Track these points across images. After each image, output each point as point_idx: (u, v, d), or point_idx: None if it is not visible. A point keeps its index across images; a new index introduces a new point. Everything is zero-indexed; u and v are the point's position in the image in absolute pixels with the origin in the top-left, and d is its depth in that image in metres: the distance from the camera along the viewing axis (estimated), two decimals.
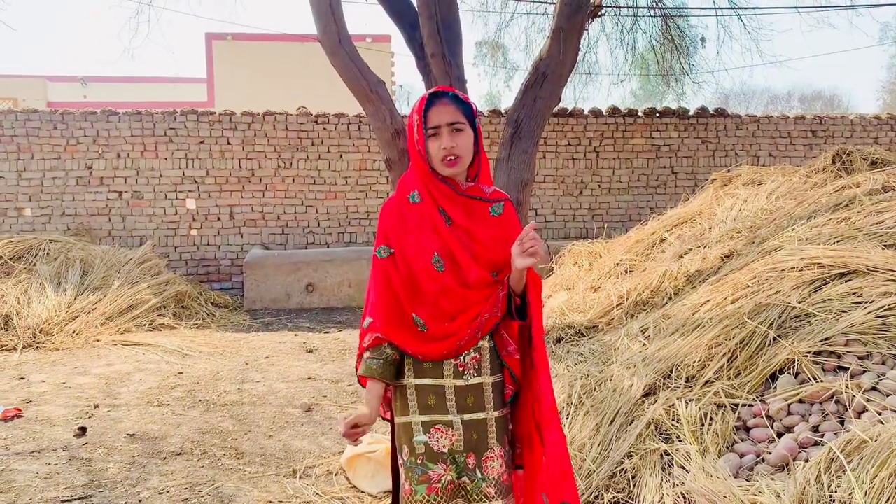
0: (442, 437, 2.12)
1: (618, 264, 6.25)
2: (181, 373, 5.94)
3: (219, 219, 10.39)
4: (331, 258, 9.41)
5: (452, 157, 2.13)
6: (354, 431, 2.08)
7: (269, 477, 3.89)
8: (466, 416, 2.17)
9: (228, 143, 10.39)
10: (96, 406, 5.04)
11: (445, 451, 2.11)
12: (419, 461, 2.09)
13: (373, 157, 10.57)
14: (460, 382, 2.19)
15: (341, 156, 10.60)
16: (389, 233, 2.22)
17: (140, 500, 3.57)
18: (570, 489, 2.09)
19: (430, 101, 2.14)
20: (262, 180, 10.46)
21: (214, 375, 5.88)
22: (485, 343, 2.23)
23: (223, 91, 17.70)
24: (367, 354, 2.18)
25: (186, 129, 10.28)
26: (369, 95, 5.84)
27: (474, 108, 2.20)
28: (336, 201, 10.59)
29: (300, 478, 3.88)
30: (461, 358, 2.20)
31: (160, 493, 3.66)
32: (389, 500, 3.56)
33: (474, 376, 2.20)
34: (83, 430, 4.50)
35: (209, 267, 10.36)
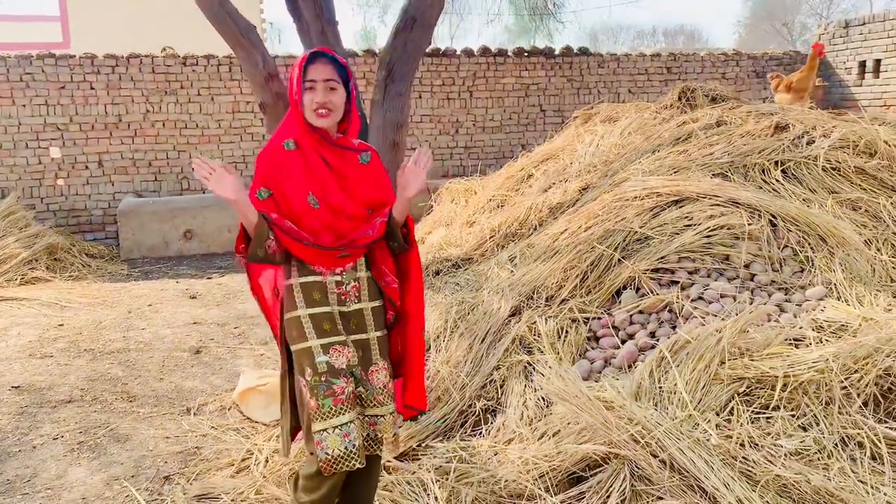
0: (340, 355, 2.40)
1: (490, 200, 6.63)
2: (62, 324, 5.89)
3: (87, 167, 10.00)
4: (208, 204, 9.32)
5: (324, 111, 2.40)
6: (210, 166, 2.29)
7: (163, 416, 4.06)
8: (353, 338, 2.47)
9: (92, 88, 9.92)
10: None
11: (344, 367, 2.40)
12: (323, 379, 2.36)
13: (246, 100, 10.39)
14: (344, 309, 2.49)
15: (213, 98, 10.36)
16: (267, 177, 2.46)
17: (34, 447, 3.67)
18: (423, 400, 2.67)
19: (310, 59, 2.42)
20: (130, 126, 10.10)
21: (97, 325, 5.87)
22: (362, 274, 2.54)
23: (79, 31, 16.60)
24: None
25: (45, 74, 9.72)
26: (240, 40, 5.81)
27: (349, 70, 2.49)
28: (210, 145, 10.39)
29: (194, 414, 4.07)
30: (343, 287, 2.49)
31: (54, 439, 3.76)
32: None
33: (355, 303, 2.51)
34: None
35: (80, 217, 10.00)
